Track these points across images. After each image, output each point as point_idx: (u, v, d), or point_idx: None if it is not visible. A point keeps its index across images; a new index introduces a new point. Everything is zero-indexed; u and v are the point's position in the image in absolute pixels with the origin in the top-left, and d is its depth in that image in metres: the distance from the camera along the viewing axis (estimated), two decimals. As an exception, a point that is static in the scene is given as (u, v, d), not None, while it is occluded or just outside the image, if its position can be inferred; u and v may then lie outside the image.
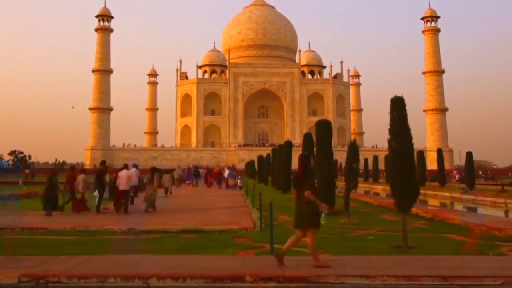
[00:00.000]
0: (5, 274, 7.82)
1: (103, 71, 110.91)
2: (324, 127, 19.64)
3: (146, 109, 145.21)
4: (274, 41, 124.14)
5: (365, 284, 7.62)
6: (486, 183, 54.50)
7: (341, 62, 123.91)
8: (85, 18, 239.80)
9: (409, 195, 11.34)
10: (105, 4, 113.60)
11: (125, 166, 21.20)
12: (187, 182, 45.12)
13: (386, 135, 11.69)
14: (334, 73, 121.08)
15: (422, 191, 25.52)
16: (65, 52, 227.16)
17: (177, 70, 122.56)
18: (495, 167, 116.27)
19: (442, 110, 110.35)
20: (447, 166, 65.42)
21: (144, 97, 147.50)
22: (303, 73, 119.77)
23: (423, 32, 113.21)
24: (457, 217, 16.56)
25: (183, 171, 48.37)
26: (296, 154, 32.48)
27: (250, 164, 67.70)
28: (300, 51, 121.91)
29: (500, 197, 27.38)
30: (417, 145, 12.77)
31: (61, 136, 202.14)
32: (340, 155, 48.97)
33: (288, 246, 8.58)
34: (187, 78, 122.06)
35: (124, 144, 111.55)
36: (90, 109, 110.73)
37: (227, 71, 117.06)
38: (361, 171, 52.95)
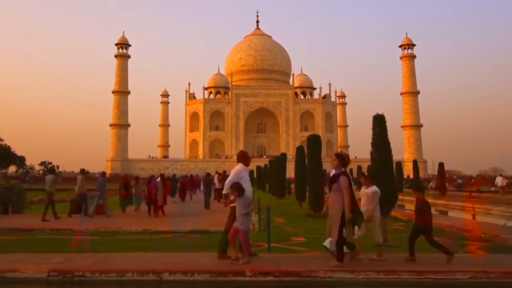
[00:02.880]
0: (36, 269, 7.82)
1: (122, 92, 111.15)
2: (314, 141, 19.73)
3: (159, 125, 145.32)
4: (271, 66, 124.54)
5: (350, 278, 7.62)
6: (457, 189, 54.34)
7: (329, 84, 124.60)
8: (106, 45, 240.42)
9: (389, 200, 11.35)
10: (123, 34, 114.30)
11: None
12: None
13: (368, 148, 11.72)
14: (323, 94, 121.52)
15: (400, 197, 25.45)
16: (89, 74, 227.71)
17: (186, 91, 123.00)
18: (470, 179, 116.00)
19: (417, 126, 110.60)
20: (422, 175, 65.44)
21: (157, 115, 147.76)
22: (296, 94, 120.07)
23: (400, 58, 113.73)
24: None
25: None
26: (290, 165, 32.51)
27: (250, 173, 67.66)
28: (293, 74, 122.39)
29: (468, 202, 27.35)
30: (395, 156, 12.82)
31: (85, 148, 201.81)
32: (328, 166, 48.96)
33: None
34: (195, 98, 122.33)
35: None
36: (110, 125, 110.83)
37: (230, 92, 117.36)
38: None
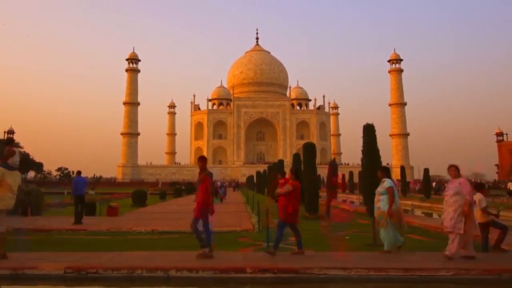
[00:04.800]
0: (53, 267, 7.84)
1: (132, 103, 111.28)
2: (309, 149, 19.76)
3: (167, 134, 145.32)
4: (270, 79, 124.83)
5: (343, 274, 7.63)
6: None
7: (323, 96, 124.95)
8: (118, 60, 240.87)
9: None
10: (133, 50, 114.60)
11: None
12: None
13: (359, 155, 11.74)
14: (317, 105, 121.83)
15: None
16: (102, 87, 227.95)
17: (191, 102, 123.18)
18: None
19: (404, 135, 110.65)
20: (408, 180, 65.36)
21: (165, 124, 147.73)
22: (292, 105, 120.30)
23: (389, 72, 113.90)
24: (417, 221, 16.56)
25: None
26: (287, 171, 32.47)
27: (250, 178, 67.62)
28: (290, 87, 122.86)
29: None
30: (384, 162, 12.82)
31: (98, 155, 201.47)
32: (322, 171, 49.03)
33: None
34: (199, 109, 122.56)
35: (147, 162, 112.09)
36: (121, 134, 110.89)
37: (232, 103, 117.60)
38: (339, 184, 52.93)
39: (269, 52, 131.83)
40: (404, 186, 46.10)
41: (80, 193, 16.77)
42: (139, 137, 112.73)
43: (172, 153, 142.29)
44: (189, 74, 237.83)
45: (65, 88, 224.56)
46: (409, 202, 31.43)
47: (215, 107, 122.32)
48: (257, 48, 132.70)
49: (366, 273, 7.63)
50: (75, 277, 7.61)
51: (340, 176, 48.34)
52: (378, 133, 11.78)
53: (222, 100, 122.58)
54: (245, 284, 7.55)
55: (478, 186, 10.47)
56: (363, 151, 11.59)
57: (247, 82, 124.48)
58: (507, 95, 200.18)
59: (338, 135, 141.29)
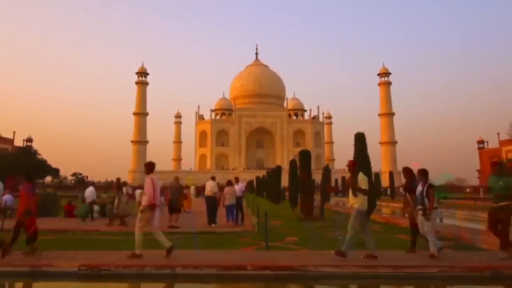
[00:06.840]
0: (69, 264, 7.84)
1: (141, 114, 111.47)
2: (305, 155, 19.79)
3: (173, 142, 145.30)
4: (268, 91, 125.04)
5: (336, 271, 7.62)
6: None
7: (318, 107, 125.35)
8: (128, 74, 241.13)
9: (369, 206, 11.34)
10: (142, 64, 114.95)
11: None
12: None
13: (351, 161, 11.73)
14: (312, 115, 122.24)
15: (378, 203, 25.43)
16: (113, 98, 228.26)
17: (196, 113, 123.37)
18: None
19: (392, 143, 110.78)
20: (396, 184, 65.32)
21: (171, 133, 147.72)
22: (289, 115, 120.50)
23: (378, 84, 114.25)
24: (405, 222, 16.48)
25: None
26: (284, 176, 32.55)
27: (250, 182, 67.55)
28: (287, 98, 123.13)
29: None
30: (374, 168, 12.86)
31: (110, 161, 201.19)
32: (317, 176, 48.96)
33: None
34: (203, 119, 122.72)
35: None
36: (131, 141, 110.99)
37: (233, 113, 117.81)
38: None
39: (267, 66, 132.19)
40: (392, 190, 46.11)
41: None
42: (147, 144, 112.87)
43: (178, 159, 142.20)
44: (194, 86, 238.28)
45: (80, 99, 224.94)
46: (397, 205, 31.41)
47: (218, 117, 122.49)
48: (257, 62, 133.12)
49: (357, 270, 7.63)
50: (89, 274, 7.61)
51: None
52: (368, 141, 11.85)
53: (225, 110, 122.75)
54: (246, 281, 7.55)
55: None
56: (355, 157, 11.62)
57: (247, 94, 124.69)
58: (488, 106, 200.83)
59: (332, 142, 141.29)
